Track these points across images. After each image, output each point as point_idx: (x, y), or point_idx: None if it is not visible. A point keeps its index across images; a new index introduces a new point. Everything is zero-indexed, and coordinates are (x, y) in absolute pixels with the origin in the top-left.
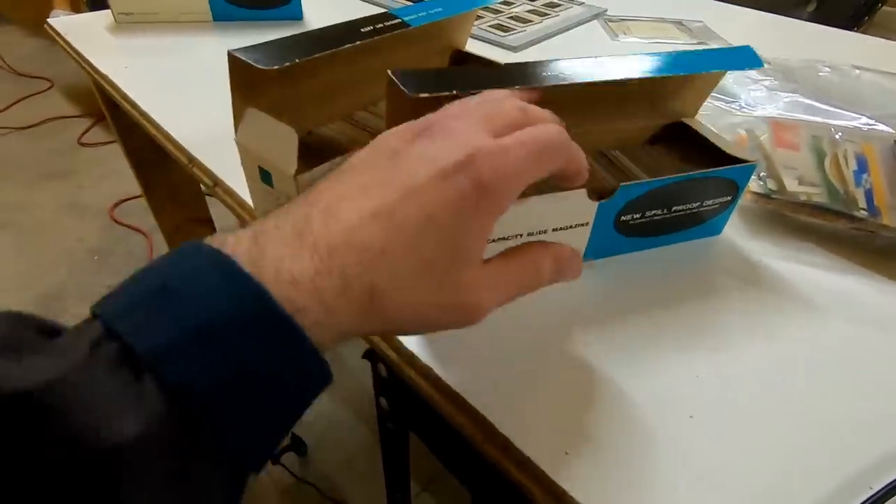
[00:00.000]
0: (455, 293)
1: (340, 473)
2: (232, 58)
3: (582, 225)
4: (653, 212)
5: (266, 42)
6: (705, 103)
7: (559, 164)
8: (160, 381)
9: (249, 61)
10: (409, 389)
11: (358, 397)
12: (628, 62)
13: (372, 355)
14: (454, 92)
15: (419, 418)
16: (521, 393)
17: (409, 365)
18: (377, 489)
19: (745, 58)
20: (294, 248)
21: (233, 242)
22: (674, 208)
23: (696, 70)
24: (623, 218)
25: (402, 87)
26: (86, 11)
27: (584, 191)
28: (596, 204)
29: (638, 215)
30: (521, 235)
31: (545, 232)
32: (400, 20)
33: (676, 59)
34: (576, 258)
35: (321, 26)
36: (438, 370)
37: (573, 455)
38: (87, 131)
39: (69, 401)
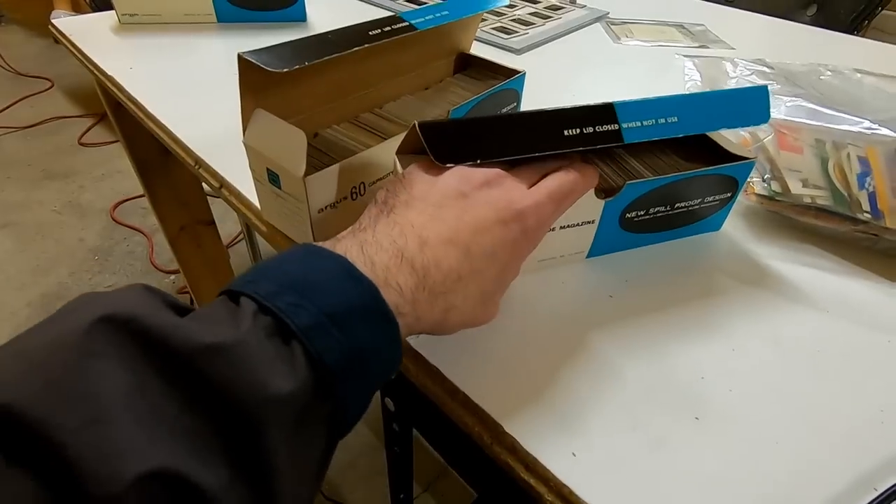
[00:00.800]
0: (490, 310)
1: (342, 474)
2: (242, 60)
3: (588, 223)
4: (656, 209)
5: (275, 45)
6: None
7: (574, 200)
8: (307, 350)
9: (259, 64)
10: (416, 390)
11: None
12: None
13: None
14: (478, 162)
15: (425, 419)
16: (529, 394)
17: (416, 365)
18: (378, 490)
19: (756, 109)
20: (397, 263)
21: (343, 248)
22: (677, 205)
23: (706, 129)
24: (628, 215)
25: (431, 155)
26: (88, 11)
27: (591, 190)
28: (603, 202)
29: (642, 212)
30: None
31: (553, 230)
32: (408, 23)
33: (686, 109)
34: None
35: (326, 28)
36: (445, 371)
37: (581, 456)
38: (87, 131)
39: (246, 357)
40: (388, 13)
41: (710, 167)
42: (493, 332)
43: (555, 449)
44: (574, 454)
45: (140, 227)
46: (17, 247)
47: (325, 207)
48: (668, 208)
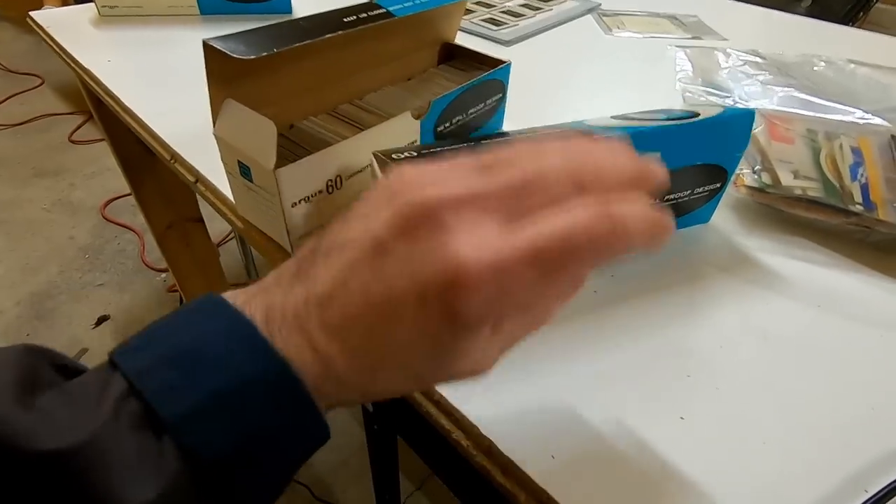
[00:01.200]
0: (463, 371)
1: (333, 474)
2: (207, 47)
3: None
4: None
5: (245, 31)
6: (699, 98)
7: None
8: (180, 444)
9: (226, 51)
10: None
11: None
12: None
13: None
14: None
15: (405, 421)
16: (507, 395)
17: None
18: (369, 490)
19: (740, 136)
20: (301, 342)
21: (252, 308)
22: (665, 197)
23: (685, 163)
24: None
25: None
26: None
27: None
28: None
29: None
30: None
31: None
32: (385, 10)
33: (668, 142)
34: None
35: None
36: None
37: (559, 459)
38: (78, 128)
39: (95, 463)
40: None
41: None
42: None
43: (533, 451)
44: (553, 456)
45: (131, 224)
46: (6, 245)
47: (299, 201)
48: (656, 201)
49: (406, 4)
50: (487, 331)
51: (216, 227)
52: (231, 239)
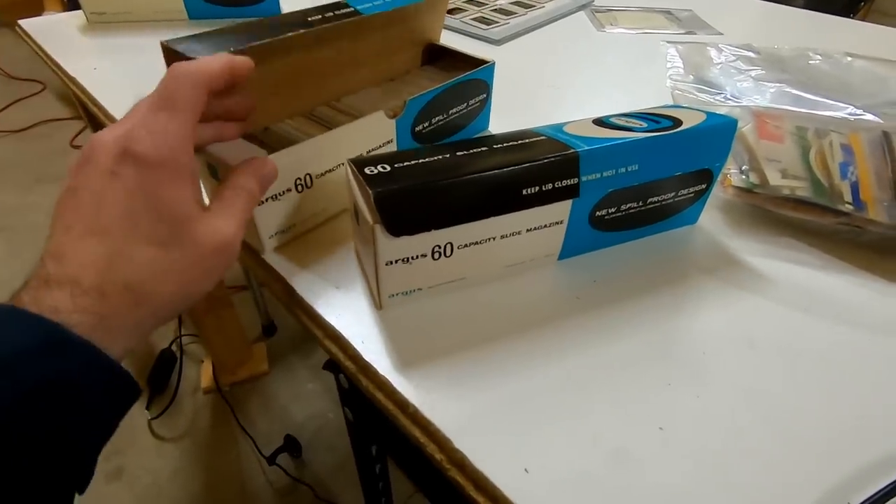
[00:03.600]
0: (197, 245)
1: (334, 474)
2: (166, 49)
3: (557, 223)
4: (628, 205)
5: (205, 32)
6: (690, 95)
7: (198, 92)
8: None
9: (184, 52)
10: (370, 401)
11: None
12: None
13: (332, 366)
14: None
15: (383, 430)
16: (482, 406)
17: (366, 376)
18: None
19: (721, 146)
20: (45, 290)
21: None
22: (650, 200)
23: (665, 174)
24: (598, 213)
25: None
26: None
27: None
28: (570, 202)
29: (613, 209)
30: (493, 238)
31: (519, 233)
32: (353, 9)
33: (649, 154)
34: (269, 163)
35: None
36: (395, 382)
37: (533, 473)
38: (79, 133)
39: None
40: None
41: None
42: (446, 342)
43: (506, 465)
44: (526, 470)
45: None
46: (9, 252)
47: (266, 200)
48: (640, 204)
49: (376, 3)
50: (186, 180)
51: None
52: None
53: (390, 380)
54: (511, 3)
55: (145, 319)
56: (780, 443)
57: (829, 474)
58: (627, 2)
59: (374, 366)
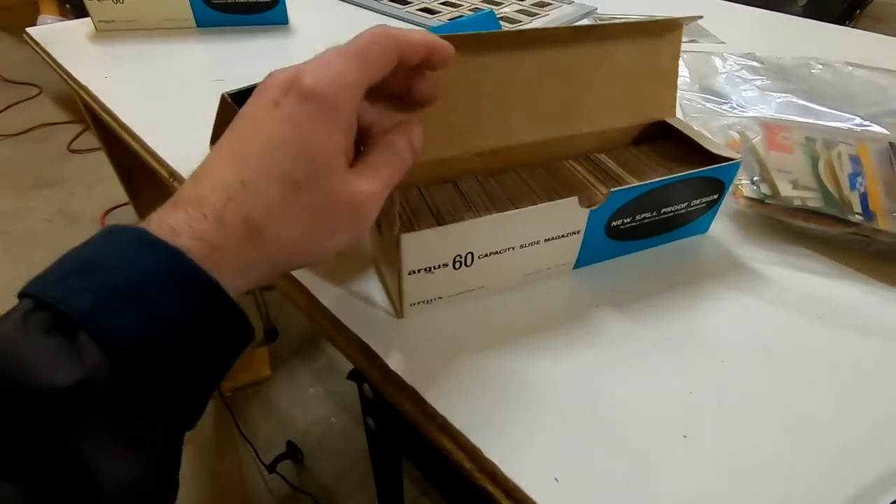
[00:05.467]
0: (330, 197)
1: (337, 481)
2: (225, 101)
3: (574, 233)
4: (643, 215)
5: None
6: (696, 104)
7: (388, 54)
8: (95, 337)
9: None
10: (395, 411)
11: (354, 402)
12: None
13: (357, 376)
14: None
15: (407, 440)
16: (509, 416)
17: (393, 386)
18: (374, 498)
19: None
20: (171, 210)
21: (147, 223)
22: (663, 210)
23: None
24: (614, 223)
25: None
26: (72, 18)
27: (575, 198)
28: (587, 211)
29: (629, 219)
30: (513, 248)
31: (537, 243)
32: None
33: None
34: (419, 127)
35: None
36: (423, 391)
37: (563, 482)
38: (76, 138)
39: (11, 366)
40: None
41: (697, 170)
42: (471, 351)
43: (536, 474)
44: (556, 479)
45: None
46: (6, 257)
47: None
48: (654, 214)
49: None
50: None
51: None
52: None
53: (418, 389)
54: (516, 11)
55: (255, 262)
56: (800, 450)
57: (850, 483)
58: (630, 10)
59: (402, 376)
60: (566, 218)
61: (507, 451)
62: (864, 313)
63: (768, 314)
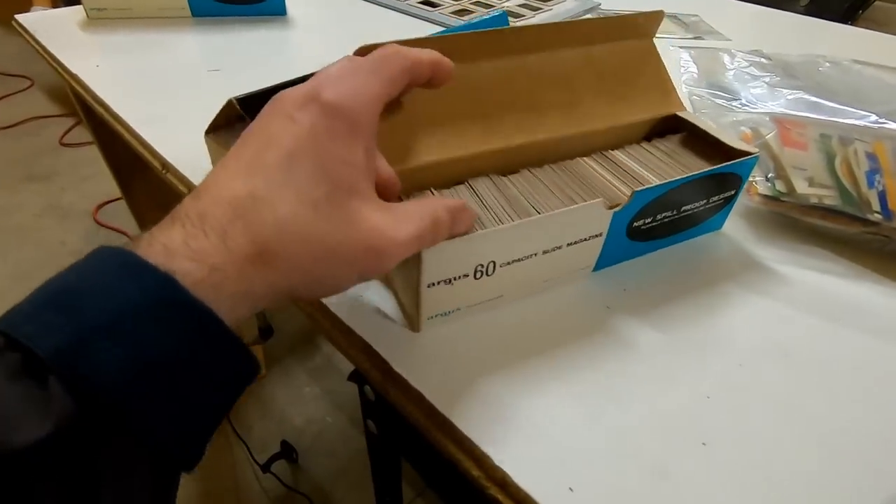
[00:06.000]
0: (350, 227)
1: (332, 482)
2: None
3: (596, 236)
4: (664, 214)
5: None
6: (705, 100)
7: (403, 71)
8: (65, 380)
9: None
10: (398, 414)
11: (350, 401)
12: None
13: (358, 377)
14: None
15: (409, 444)
16: (521, 423)
17: (397, 389)
18: (370, 498)
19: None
20: (167, 226)
21: (137, 245)
22: (683, 208)
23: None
24: (636, 224)
25: None
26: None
27: (601, 200)
28: (611, 213)
29: (650, 219)
30: (535, 255)
31: (560, 248)
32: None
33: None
34: (467, 211)
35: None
36: (428, 395)
37: (578, 492)
38: (68, 131)
39: None
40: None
41: (720, 166)
42: (480, 355)
43: (550, 483)
44: (571, 489)
45: (124, 229)
46: None
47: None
48: (674, 213)
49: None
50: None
51: None
52: None
53: (424, 393)
54: (518, 6)
55: (256, 289)
56: (821, 457)
57: (873, 492)
58: (634, 5)
59: (406, 378)
60: (590, 220)
61: (520, 460)
62: (884, 316)
63: (785, 316)
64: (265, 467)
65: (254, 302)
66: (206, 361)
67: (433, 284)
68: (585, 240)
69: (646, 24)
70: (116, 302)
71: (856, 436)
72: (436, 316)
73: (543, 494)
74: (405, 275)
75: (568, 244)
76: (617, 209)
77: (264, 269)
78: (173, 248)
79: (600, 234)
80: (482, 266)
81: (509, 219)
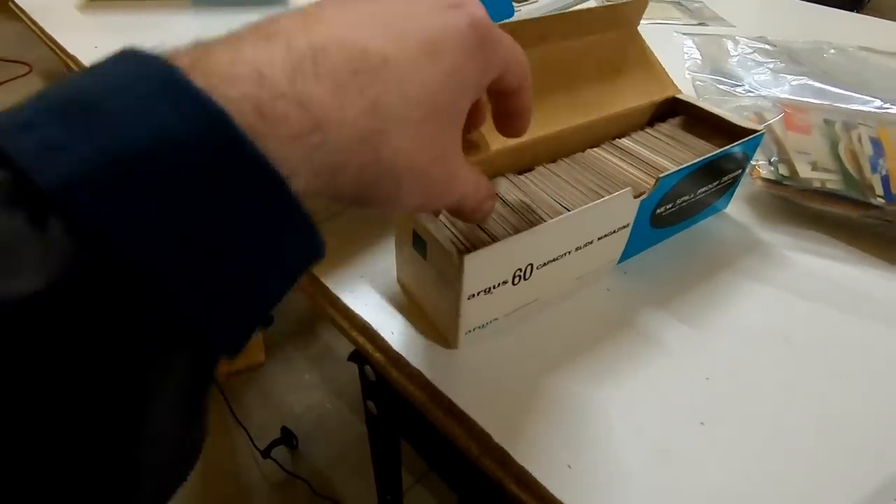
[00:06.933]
0: (453, 144)
1: (332, 468)
2: None
3: (623, 227)
4: (683, 198)
5: None
6: (708, 86)
7: (501, 59)
8: (70, 222)
9: None
10: (398, 394)
11: (349, 388)
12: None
13: (358, 357)
14: None
15: (409, 423)
16: (519, 401)
17: (398, 368)
18: (369, 484)
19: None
20: (260, 41)
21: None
22: (699, 191)
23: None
24: (658, 210)
25: None
26: None
27: (629, 190)
28: (638, 202)
29: (670, 205)
30: (569, 253)
31: (591, 243)
32: None
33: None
34: (492, 201)
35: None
36: (429, 375)
37: (576, 469)
38: None
39: None
40: None
41: (734, 144)
42: (480, 336)
43: (549, 461)
44: (569, 466)
45: None
46: None
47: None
48: (691, 196)
49: None
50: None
51: None
52: None
53: (424, 372)
54: None
55: (344, 168)
56: (820, 440)
57: (873, 473)
58: None
59: (406, 357)
60: (619, 211)
61: (519, 438)
62: (884, 301)
63: (786, 300)
64: (265, 453)
65: (332, 181)
66: (253, 224)
67: (473, 296)
68: (614, 232)
69: (631, 12)
70: (146, 129)
71: (855, 417)
72: (474, 329)
73: (542, 470)
74: (443, 290)
75: (598, 238)
76: (643, 197)
77: (362, 148)
78: (274, 81)
79: (627, 225)
80: (521, 270)
81: (540, 219)
